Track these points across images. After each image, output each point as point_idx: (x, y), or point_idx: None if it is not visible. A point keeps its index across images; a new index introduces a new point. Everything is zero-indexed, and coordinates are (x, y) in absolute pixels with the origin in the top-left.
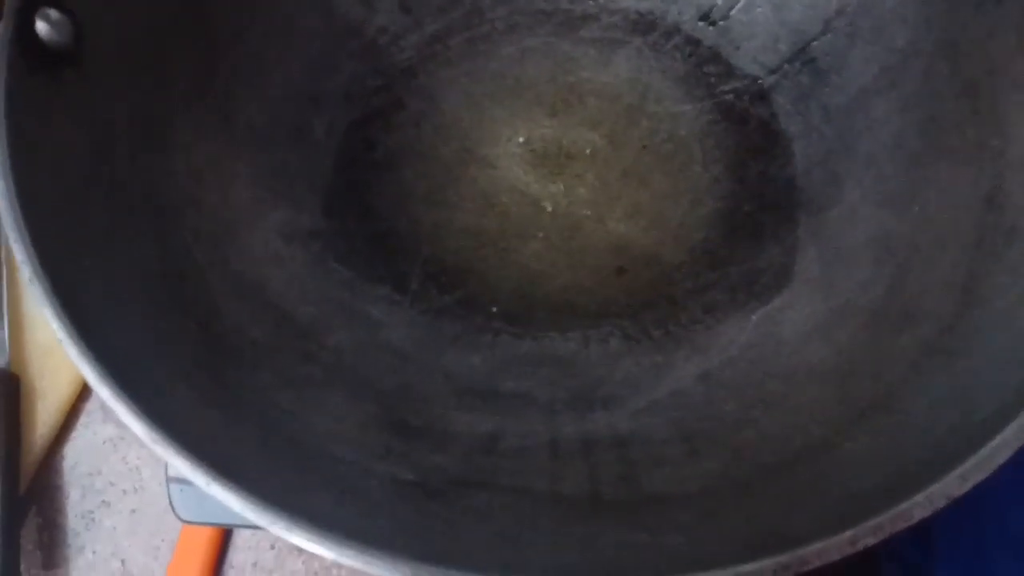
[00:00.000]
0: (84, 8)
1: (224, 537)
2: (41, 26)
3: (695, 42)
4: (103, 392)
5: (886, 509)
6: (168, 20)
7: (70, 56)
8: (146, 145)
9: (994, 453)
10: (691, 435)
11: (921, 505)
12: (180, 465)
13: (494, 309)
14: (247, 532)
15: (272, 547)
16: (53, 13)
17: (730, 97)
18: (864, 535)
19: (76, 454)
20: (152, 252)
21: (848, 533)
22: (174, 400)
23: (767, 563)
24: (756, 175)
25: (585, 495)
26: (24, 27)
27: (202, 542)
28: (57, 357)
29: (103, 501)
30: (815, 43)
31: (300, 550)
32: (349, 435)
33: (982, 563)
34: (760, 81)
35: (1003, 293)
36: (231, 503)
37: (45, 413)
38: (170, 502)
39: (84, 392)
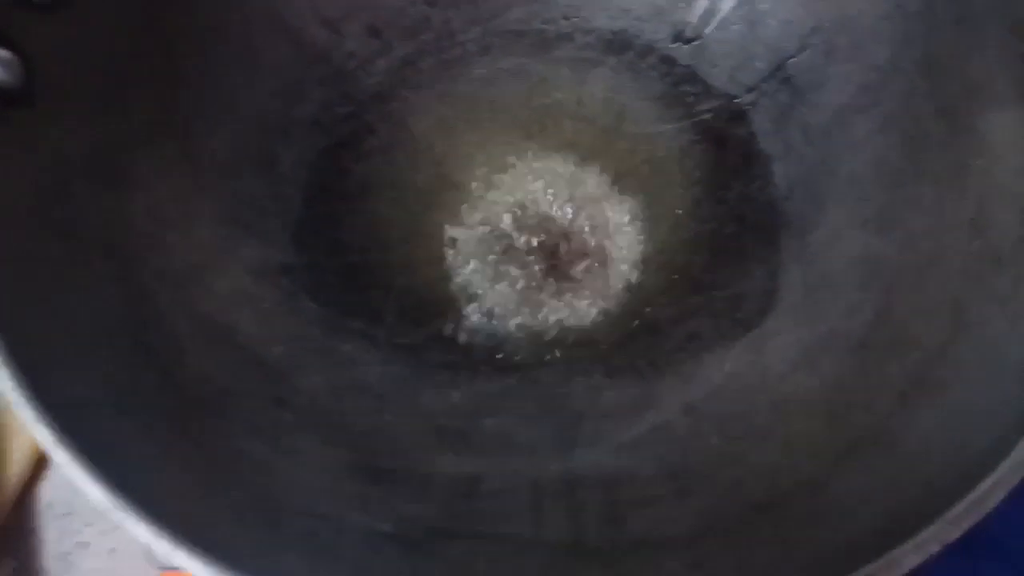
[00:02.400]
0: (36, 48)
1: None
2: None
3: (670, 61)
4: (59, 456)
5: (876, 558)
6: (127, 54)
7: (20, 97)
8: (104, 184)
9: (988, 494)
10: (677, 472)
11: (912, 553)
12: (140, 533)
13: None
14: None
15: None
16: (3, 53)
17: (708, 117)
18: None
19: (52, 493)
20: (112, 298)
21: None
22: (138, 459)
23: None
24: (737, 196)
25: (569, 541)
26: None
27: None
28: None
29: (79, 542)
30: (792, 61)
31: None
32: (323, 485)
33: (969, 564)
34: (737, 100)
35: (990, 322)
36: (196, 570)
37: (18, 451)
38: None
39: None
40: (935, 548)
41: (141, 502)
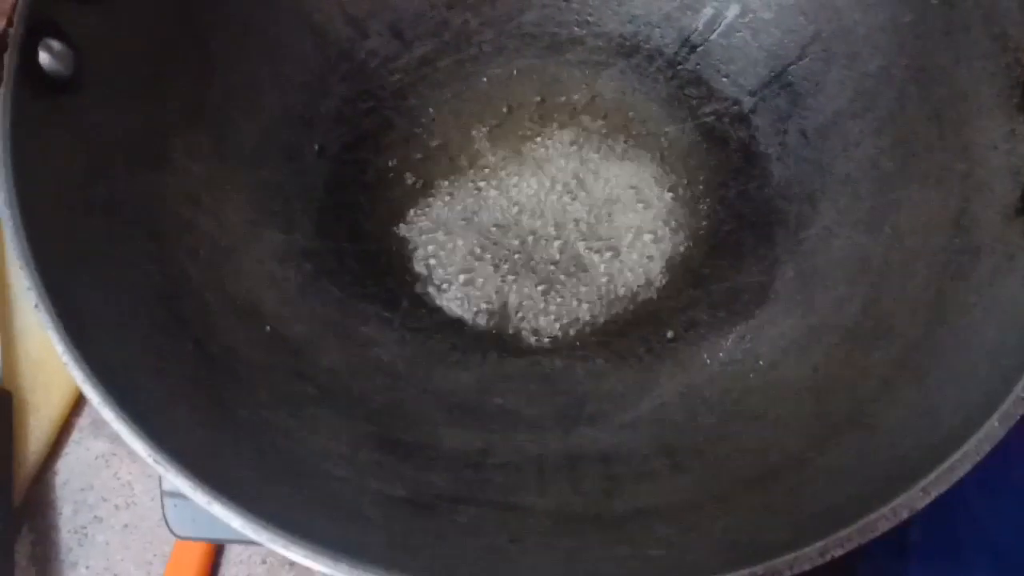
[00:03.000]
0: (85, 39)
1: (216, 552)
2: (44, 57)
3: (677, 65)
4: (107, 414)
5: (854, 522)
6: (164, 45)
7: (70, 84)
8: (143, 166)
9: (955, 466)
10: (673, 450)
11: (886, 517)
12: (182, 485)
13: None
14: (239, 547)
15: (264, 562)
16: (55, 44)
17: (711, 119)
18: (833, 547)
19: (68, 469)
20: (150, 273)
21: (818, 545)
22: (174, 420)
23: (741, 573)
24: (736, 195)
25: (570, 509)
26: (28, 58)
27: (195, 557)
28: (49, 372)
29: (95, 516)
30: (792, 67)
31: (291, 564)
32: (342, 452)
33: (956, 566)
34: (740, 103)
35: (968, 311)
36: (232, 522)
37: (38, 428)
38: (164, 517)
39: (76, 407)
40: (905, 514)
41: (180, 458)
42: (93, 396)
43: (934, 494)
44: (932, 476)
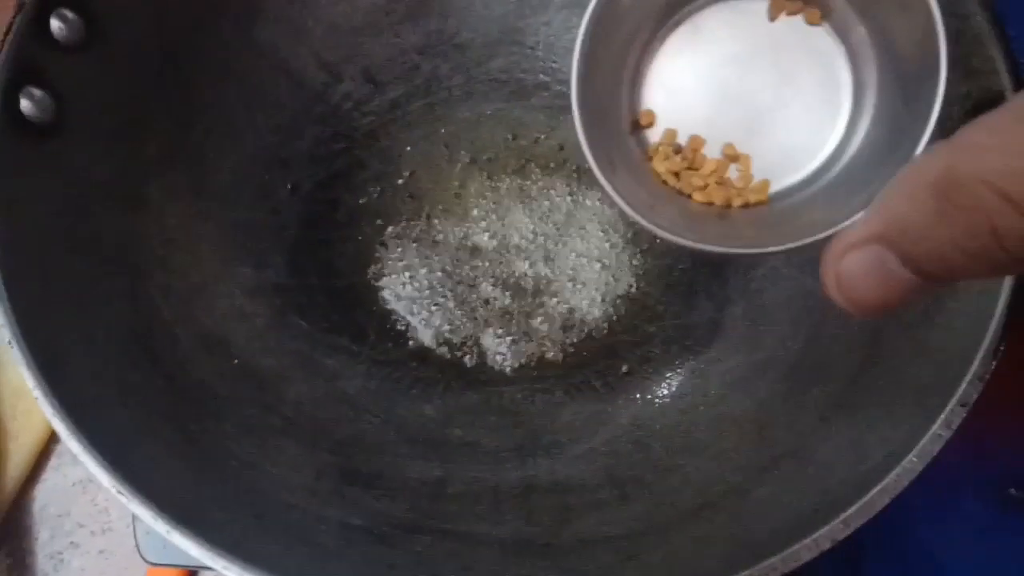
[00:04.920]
0: (67, 86)
1: None
2: (25, 104)
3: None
4: (74, 446)
5: (778, 552)
6: (145, 91)
7: (52, 128)
8: (121, 206)
9: (874, 500)
10: (622, 481)
11: (808, 548)
12: (144, 515)
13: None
14: (211, 574)
15: None
16: (36, 92)
17: None
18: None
19: (46, 495)
20: (123, 309)
21: (744, 574)
22: (142, 452)
23: None
24: None
25: (522, 538)
26: (10, 105)
27: None
28: (29, 400)
29: (72, 542)
30: None
31: None
32: (304, 483)
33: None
34: None
35: (899, 351)
36: (191, 550)
37: (16, 455)
38: (136, 544)
39: (55, 434)
40: (827, 545)
41: (143, 488)
42: (61, 429)
43: (854, 526)
44: (853, 509)
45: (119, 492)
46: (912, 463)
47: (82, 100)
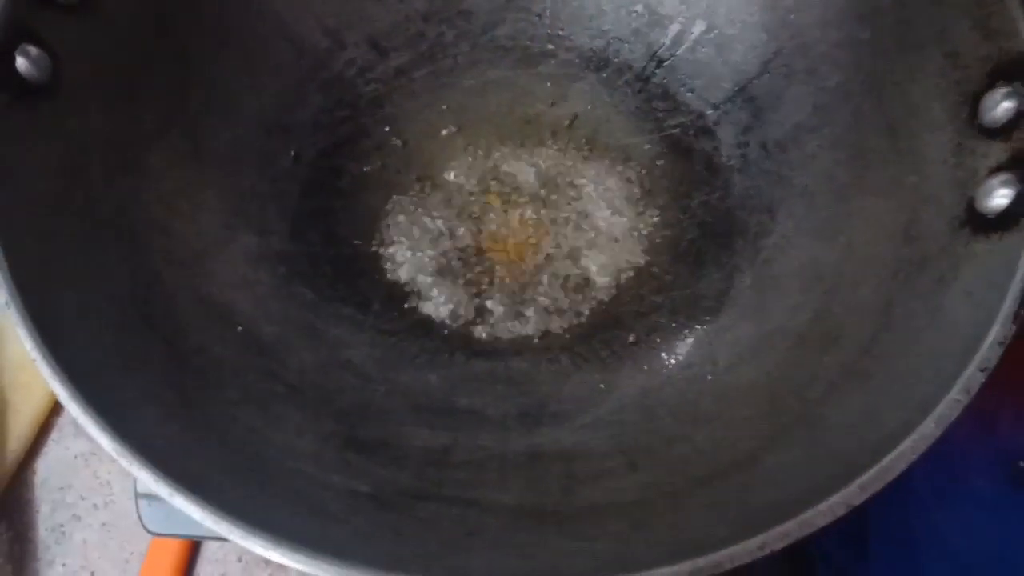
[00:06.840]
0: (63, 46)
1: (192, 550)
2: (21, 62)
3: (645, 79)
4: (73, 409)
5: (792, 517)
6: (143, 53)
7: (47, 89)
8: (119, 171)
9: (891, 465)
10: (630, 449)
11: (823, 514)
12: (145, 478)
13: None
14: (215, 545)
15: (239, 560)
16: (33, 50)
17: (677, 131)
18: (772, 541)
19: (47, 468)
20: (123, 274)
21: (757, 539)
22: (142, 416)
23: (684, 566)
24: (699, 205)
25: (528, 506)
26: (5, 63)
27: (170, 555)
28: (29, 372)
29: (73, 515)
30: (755, 82)
31: (267, 562)
32: (308, 450)
33: (913, 564)
34: (704, 117)
35: (913, 317)
36: (192, 513)
37: (17, 427)
38: (138, 515)
39: (56, 407)
40: (842, 511)
41: (144, 451)
42: (61, 392)
43: (870, 491)
44: (869, 474)
45: (119, 455)
46: (930, 428)
47: (79, 61)
